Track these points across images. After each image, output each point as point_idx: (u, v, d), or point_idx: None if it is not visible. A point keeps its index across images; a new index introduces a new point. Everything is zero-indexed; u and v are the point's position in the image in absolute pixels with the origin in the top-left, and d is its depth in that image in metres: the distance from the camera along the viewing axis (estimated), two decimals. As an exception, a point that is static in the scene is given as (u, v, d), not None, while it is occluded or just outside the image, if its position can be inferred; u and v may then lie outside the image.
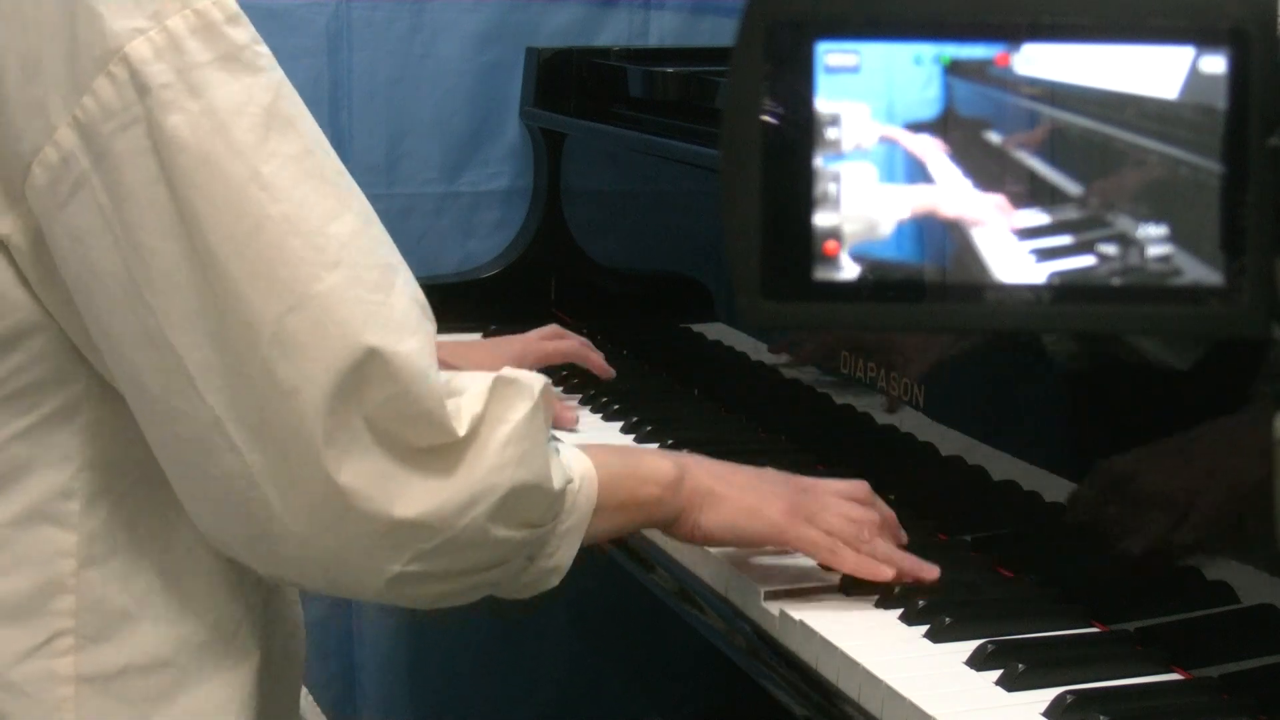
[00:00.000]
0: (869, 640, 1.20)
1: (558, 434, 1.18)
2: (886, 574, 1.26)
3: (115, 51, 0.96)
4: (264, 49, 1.00)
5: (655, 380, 1.93)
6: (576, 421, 1.75)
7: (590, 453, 1.20)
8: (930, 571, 1.29)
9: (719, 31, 2.30)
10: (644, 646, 2.36)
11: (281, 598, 1.20)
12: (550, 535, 1.14)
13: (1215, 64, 0.59)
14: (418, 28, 2.16)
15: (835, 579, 1.31)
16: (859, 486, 1.32)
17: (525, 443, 1.07)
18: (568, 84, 2.19)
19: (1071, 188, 0.60)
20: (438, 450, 1.04)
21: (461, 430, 1.04)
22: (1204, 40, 0.59)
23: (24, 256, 1.02)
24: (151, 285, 0.98)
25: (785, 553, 1.34)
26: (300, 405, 0.98)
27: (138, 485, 1.09)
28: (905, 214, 0.61)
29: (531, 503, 1.09)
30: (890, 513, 1.33)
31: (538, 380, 1.10)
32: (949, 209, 0.60)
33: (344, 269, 0.99)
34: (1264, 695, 1.11)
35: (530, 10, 2.22)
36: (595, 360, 1.82)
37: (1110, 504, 1.29)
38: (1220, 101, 0.59)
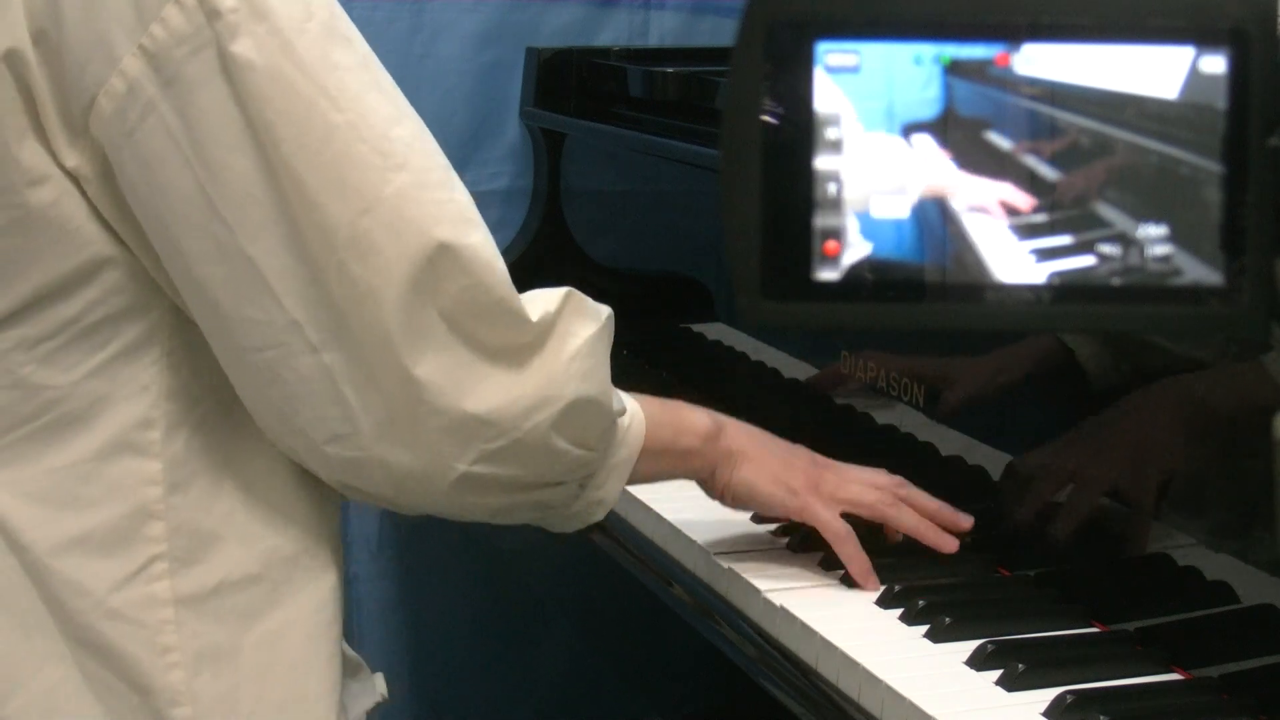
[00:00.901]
0: (869, 640, 1.21)
1: None
2: (874, 585, 1.29)
3: None
4: None
5: (655, 380, 1.93)
6: None
7: (635, 397, 1.24)
8: (965, 521, 1.34)
9: (719, 31, 2.30)
10: (644, 646, 2.36)
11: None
12: (602, 465, 1.19)
13: (1215, 64, 0.59)
14: (418, 28, 2.16)
15: (836, 579, 1.31)
16: (881, 471, 1.36)
17: (591, 359, 1.13)
18: (568, 84, 2.19)
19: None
20: (512, 350, 1.09)
21: (534, 317, 1.09)
22: (1204, 40, 0.59)
23: (94, 187, 1.06)
24: (226, 200, 1.03)
25: (785, 554, 1.34)
26: (378, 302, 1.03)
27: (212, 411, 1.12)
28: (914, 193, 0.61)
29: (592, 420, 1.14)
30: (926, 499, 1.35)
31: (604, 308, 1.17)
32: (956, 193, 0.60)
33: (410, 170, 1.04)
34: (1264, 695, 1.11)
35: (530, 10, 2.22)
36: None
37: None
38: (1220, 101, 0.59)
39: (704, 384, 1.87)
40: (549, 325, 1.11)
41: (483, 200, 2.24)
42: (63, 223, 1.06)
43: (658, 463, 1.26)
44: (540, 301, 1.11)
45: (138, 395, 1.10)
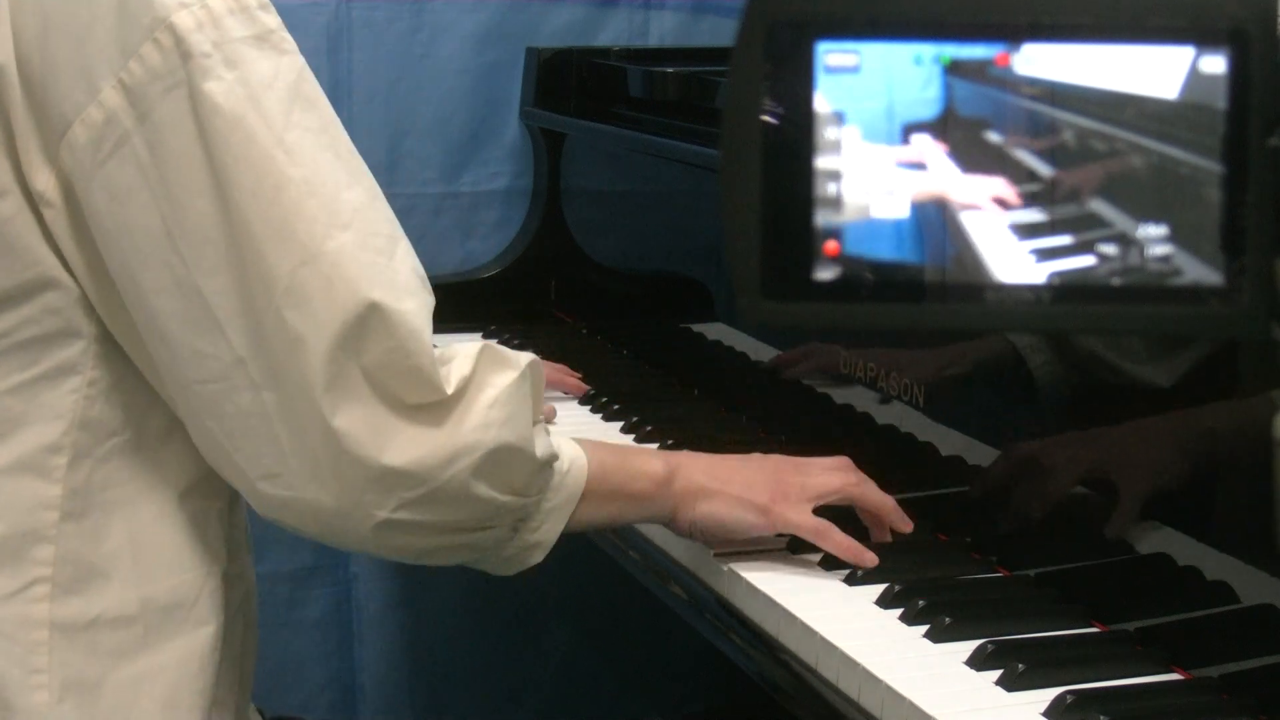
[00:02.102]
0: (869, 640, 1.20)
1: (549, 427, 1.24)
2: (871, 560, 1.30)
3: (162, 20, 1.04)
4: (289, 36, 1.09)
5: (655, 380, 1.93)
6: (581, 391, 1.81)
7: (584, 444, 1.26)
8: (904, 525, 1.36)
9: (719, 31, 2.30)
10: (643, 646, 2.36)
11: (239, 565, 1.25)
12: (535, 510, 1.21)
13: (1215, 64, 0.59)
14: (418, 28, 2.16)
15: (836, 579, 1.31)
16: (840, 461, 1.38)
17: (509, 406, 1.15)
18: (568, 84, 2.19)
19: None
20: (427, 406, 1.11)
21: (450, 388, 1.12)
22: (1204, 40, 0.59)
23: (54, 212, 1.09)
24: (185, 237, 1.07)
25: (785, 554, 1.34)
26: (306, 352, 1.07)
27: (117, 450, 1.15)
28: (914, 193, 0.61)
29: (515, 466, 1.16)
30: (874, 493, 1.36)
31: (524, 356, 1.18)
32: (953, 194, 0.60)
33: (354, 231, 1.07)
34: (1264, 695, 1.11)
35: (530, 10, 2.22)
36: (570, 383, 1.83)
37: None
38: (1220, 101, 0.59)
39: (704, 384, 1.87)
40: (464, 386, 1.13)
41: (483, 200, 2.27)
42: (12, 240, 1.09)
43: (608, 507, 1.27)
44: (457, 367, 1.13)
45: (52, 420, 1.13)
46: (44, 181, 1.08)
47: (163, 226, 1.06)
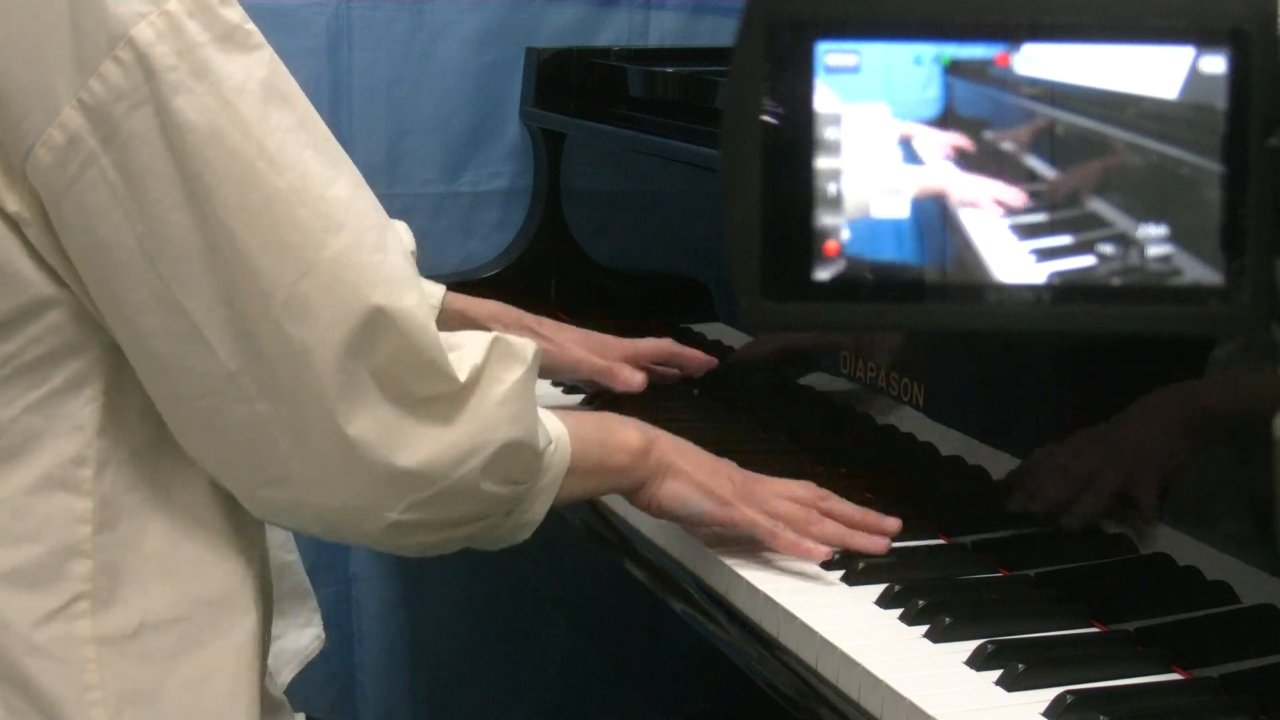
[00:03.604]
0: (869, 640, 1.21)
1: None
2: (820, 554, 1.31)
3: (121, 35, 1.00)
4: (253, 27, 1.05)
5: (655, 380, 1.93)
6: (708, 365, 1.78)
7: (563, 418, 1.26)
8: (891, 524, 1.36)
9: (719, 31, 2.30)
10: (642, 646, 2.36)
11: (267, 563, 1.24)
12: (528, 492, 1.21)
13: (1215, 64, 0.59)
14: (418, 28, 2.15)
15: (836, 579, 1.31)
16: (805, 484, 1.38)
17: (518, 402, 1.15)
18: (568, 84, 2.19)
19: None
20: (439, 400, 1.11)
21: (462, 376, 1.11)
22: (1204, 40, 0.59)
23: (34, 231, 1.06)
24: (163, 255, 1.04)
25: (786, 555, 1.34)
26: (313, 364, 1.05)
27: (141, 450, 1.13)
28: (914, 193, 0.61)
29: (519, 460, 1.17)
30: (845, 505, 1.37)
31: (530, 346, 1.18)
32: (953, 194, 0.60)
33: (347, 233, 1.05)
34: (1264, 695, 1.11)
35: (530, 10, 2.22)
36: (690, 355, 1.80)
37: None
38: (1220, 101, 0.59)
39: (704, 384, 1.87)
40: (476, 376, 1.13)
41: (483, 200, 2.27)
42: (1, 266, 1.06)
43: (587, 482, 1.28)
44: (469, 354, 1.13)
45: (72, 433, 1.10)
46: (15, 202, 1.04)
47: (138, 245, 1.03)
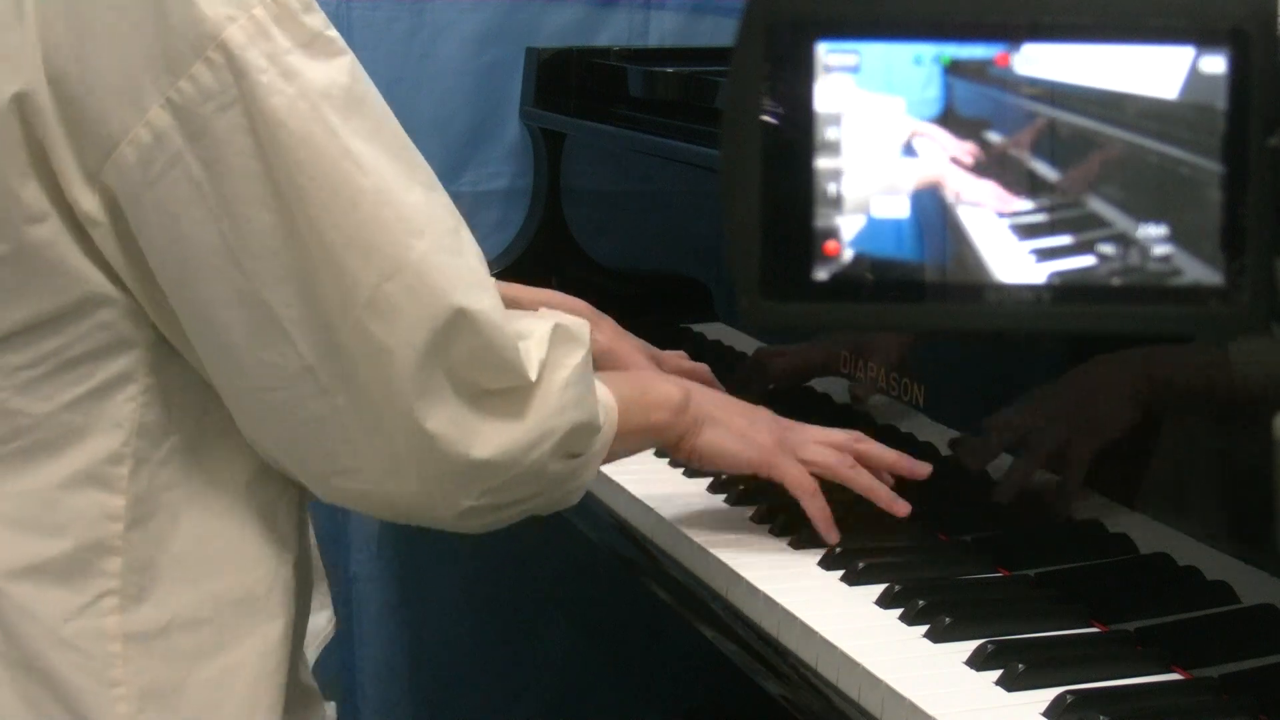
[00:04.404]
0: (869, 640, 1.21)
1: None
2: (834, 537, 1.35)
3: (213, 37, 1.02)
4: (335, 33, 1.07)
5: (655, 380, 1.93)
6: None
7: (606, 380, 1.28)
8: (922, 468, 1.39)
9: (719, 31, 2.30)
10: (642, 646, 2.36)
11: (306, 559, 1.25)
12: (584, 463, 1.23)
13: (1215, 64, 0.59)
14: (418, 28, 2.15)
15: (836, 578, 1.31)
16: (839, 430, 1.41)
17: (581, 385, 1.18)
18: (568, 84, 2.19)
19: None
20: (508, 393, 1.14)
21: (533, 374, 1.14)
22: (1204, 40, 0.59)
23: (101, 231, 1.07)
24: (247, 250, 1.06)
25: (786, 553, 1.34)
26: (394, 362, 1.07)
27: (177, 451, 1.14)
28: (910, 195, 0.61)
29: (582, 438, 1.20)
30: (878, 448, 1.39)
31: (583, 325, 1.21)
32: (953, 193, 0.60)
33: (428, 236, 1.07)
34: (1264, 695, 1.11)
35: (530, 10, 2.22)
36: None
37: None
38: (1220, 101, 0.59)
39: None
40: (542, 367, 1.15)
41: (483, 200, 2.27)
42: (56, 262, 1.07)
43: (630, 441, 1.31)
44: (535, 351, 1.15)
45: (110, 431, 1.11)
46: (89, 202, 1.06)
47: (221, 241, 1.05)
